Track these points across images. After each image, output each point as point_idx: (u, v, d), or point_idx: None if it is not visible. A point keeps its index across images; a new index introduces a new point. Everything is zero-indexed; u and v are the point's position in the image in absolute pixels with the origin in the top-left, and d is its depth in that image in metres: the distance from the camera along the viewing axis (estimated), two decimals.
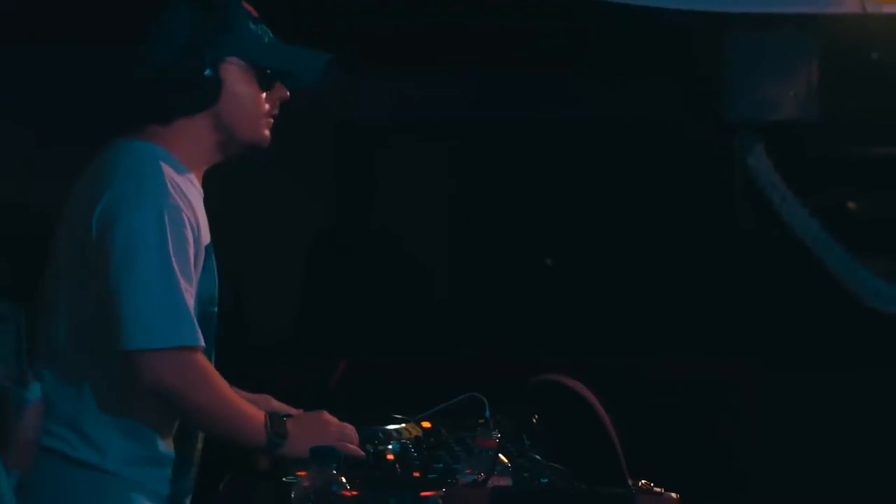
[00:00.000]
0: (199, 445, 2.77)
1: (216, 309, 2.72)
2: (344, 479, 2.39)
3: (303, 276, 5.61)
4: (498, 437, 2.59)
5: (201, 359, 2.54)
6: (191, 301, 2.55)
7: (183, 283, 2.53)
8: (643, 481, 2.34)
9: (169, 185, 2.57)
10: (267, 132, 2.76)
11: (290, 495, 2.33)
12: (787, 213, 5.07)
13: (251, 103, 2.71)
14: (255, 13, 2.76)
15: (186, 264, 2.56)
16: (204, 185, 2.76)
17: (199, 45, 2.64)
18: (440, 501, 2.50)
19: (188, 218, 2.59)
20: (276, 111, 2.77)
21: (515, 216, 5.54)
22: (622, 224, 5.37)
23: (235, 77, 2.68)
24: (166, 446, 2.68)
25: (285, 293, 5.49)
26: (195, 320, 2.54)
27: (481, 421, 2.68)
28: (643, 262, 5.38)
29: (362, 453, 2.72)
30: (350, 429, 2.72)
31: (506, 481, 2.55)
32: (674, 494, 2.31)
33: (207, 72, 2.64)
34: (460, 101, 5.43)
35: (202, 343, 2.54)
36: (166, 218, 2.53)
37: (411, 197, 5.54)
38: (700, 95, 5.03)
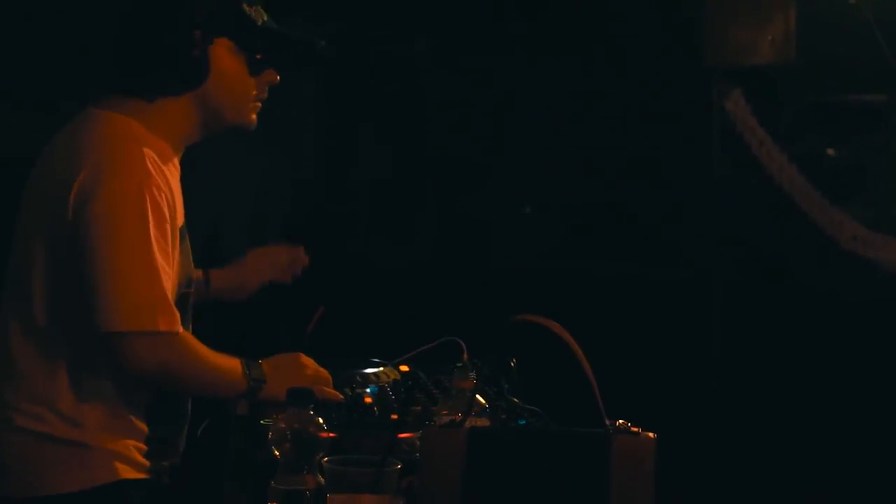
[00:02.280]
0: (188, 411, 2.77)
1: (192, 289, 2.70)
2: (321, 421, 2.38)
3: (279, 227, 5.60)
4: (475, 379, 2.58)
5: (179, 340, 2.51)
6: (169, 283, 2.52)
7: (163, 266, 2.49)
8: (620, 421, 2.33)
9: (148, 163, 2.52)
10: (253, 116, 2.72)
11: (268, 437, 2.32)
12: (765, 158, 5.08)
13: (239, 86, 2.66)
14: None
15: (166, 245, 2.52)
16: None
17: (189, 24, 2.59)
18: (417, 443, 2.50)
19: (166, 197, 2.54)
20: (264, 95, 2.72)
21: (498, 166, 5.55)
22: (599, 168, 5.38)
23: (224, 59, 2.63)
24: (146, 414, 2.65)
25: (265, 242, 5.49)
26: (173, 305, 2.51)
27: (459, 364, 2.67)
28: (620, 209, 5.40)
29: (340, 397, 2.72)
30: (325, 373, 2.72)
31: (483, 423, 2.55)
32: (651, 434, 2.30)
33: (196, 51, 2.59)
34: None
35: (180, 328, 2.52)
36: (146, 197, 2.48)
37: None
38: (678, 40, 5.02)
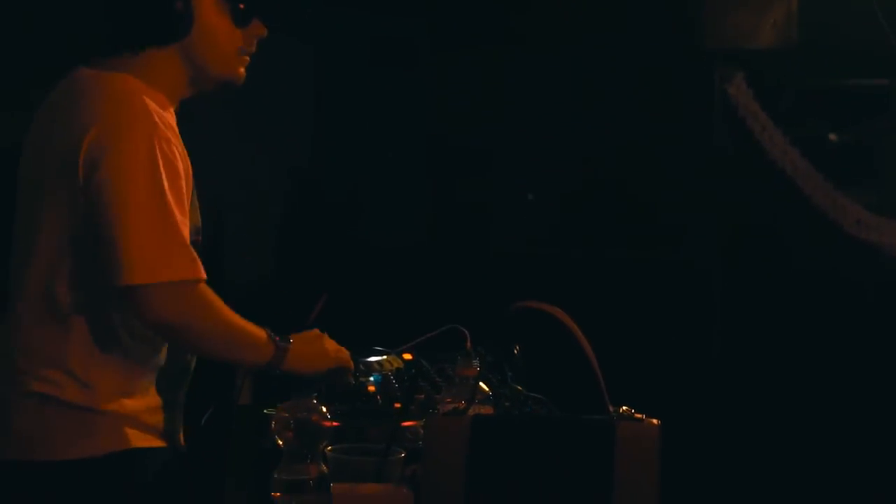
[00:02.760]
0: (192, 369, 2.74)
1: (201, 238, 2.69)
2: (325, 410, 2.38)
3: (281, 212, 5.60)
4: (478, 367, 2.58)
5: (203, 289, 2.47)
6: (187, 233, 2.49)
7: (179, 216, 2.47)
8: (624, 408, 2.33)
9: (154, 115, 2.50)
10: (242, 70, 2.70)
11: (271, 426, 2.32)
12: (768, 142, 5.07)
13: (224, 38, 2.65)
14: None
15: (181, 195, 2.50)
16: (181, 120, 2.72)
17: None
18: (421, 431, 2.49)
19: (175, 148, 2.53)
20: (252, 48, 2.71)
21: (499, 150, 5.53)
22: (600, 153, 5.37)
23: (208, 9, 2.63)
24: (155, 378, 2.63)
25: (264, 227, 5.49)
26: (193, 253, 2.48)
27: (462, 352, 2.67)
28: (621, 194, 5.38)
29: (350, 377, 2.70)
30: (345, 352, 2.70)
31: (487, 410, 2.55)
32: (655, 421, 2.30)
33: (179, 2, 2.59)
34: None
35: (203, 275, 2.48)
36: (157, 150, 2.46)
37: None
38: (678, 23, 5.00)
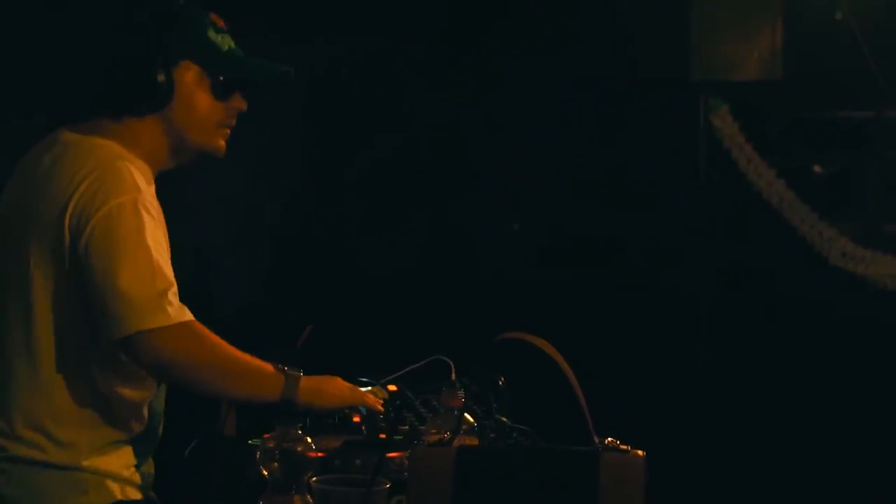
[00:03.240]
0: (161, 423, 2.76)
1: None
2: (309, 440, 2.37)
3: (267, 245, 5.59)
4: (463, 398, 2.58)
5: (190, 327, 2.51)
6: (173, 281, 2.53)
7: (166, 267, 2.52)
8: (609, 439, 2.32)
9: (138, 179, 2.55)
10: (222, 142, 2.75)
11: (256, 456, 2.31)
12: (754, 174, 5.08)
13: (204, 110, 2.69)
14: (220, 23, 2.74)
15: (165, 252, 2.55)
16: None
17: (153, 45, 2.63)
18: (406, 462, 2.49)
19: (157, 214, 2.58)
20: (232, 121, 2.76)
21: (487, 176, 5.54)
22: (587, 182, 5.38)
23: (189, 82, 2.67)
24: (135, 430, 2.67)
25: (253, 254, 5.48)
26: (176, 298, 2.51)
27: (447, 383, 2.67)
28: (607, 223, 5.39)
29: (379, 406, 2.71)
30: (360, 391, 2.73)
31: (472, 441, 2.55)
32: (640, 452, 2.30)
33: (161, 72, 2.63)
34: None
35: (190, 317, 2.52)
36: (141, 210, 2.51)
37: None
38: (665, 55, 5.02)
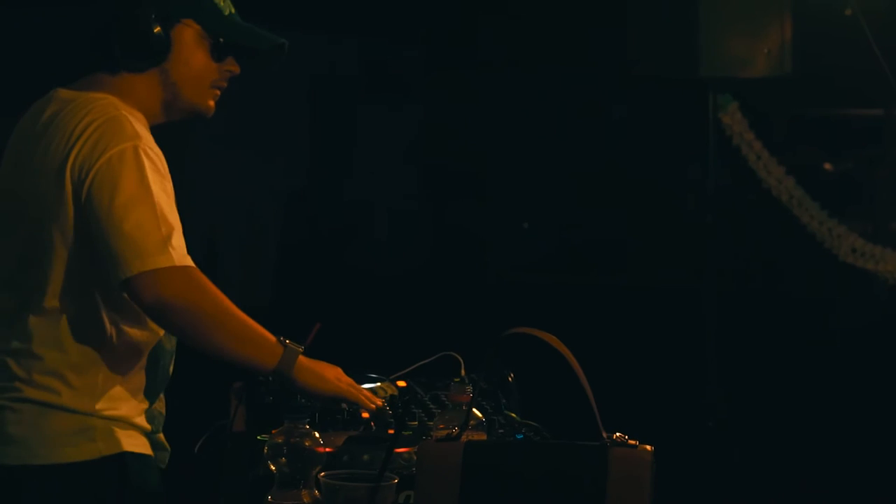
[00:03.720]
0: (172, 363, 2.77)
1: None
2: (317, 435, 2.36)
3: (277, 241, 5.60)
4: (472, 393, 2.57)
5: (192, 273, 2.51)
6: (178, 224, 2.54)
7: (170, 209, 2.53)
8: (618, 434, 2.32)
9: (138, 126, 2.59)
10: (212, 103, 2.77)
11: (264, 451, 2.31)
12: (763, 171, 5.07)
13: (200, 68, 2.73)
14: None
15: (170, 194, 2.56)
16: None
17: (156, 2, 2.66)
18: (414, 457, 2.48)
19: (159, 158, 2.59)
20: (224, 84, 2.78)
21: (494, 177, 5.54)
22: (595, 180, 5.37)
23: (188, 39, 2.71)
24: (146, 373, 2.69)
25: (258, 257, 5.48)
26: (180, 243, 2.52)
27: (456, 379, 2.66)
28: (616, 221, 5.39)
29: (377, 402, 2.69)
30: (357, 387, 2.68)
31: (480, 436, 2.54)
32: (648, 447, 2.29)
33: (160, 29, 2.66)
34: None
35: (191, 264, 2.51)
36: (143, 154, 2.53)
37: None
38: (674, 52, 5.00)
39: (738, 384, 5.19)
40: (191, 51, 2.71)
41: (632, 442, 2.31)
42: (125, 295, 2.52)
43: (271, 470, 2.41)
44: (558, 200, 5.50)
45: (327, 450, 2.51)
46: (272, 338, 2.55)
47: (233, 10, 2.78)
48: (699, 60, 4.87)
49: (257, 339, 2.54)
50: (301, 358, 2.56)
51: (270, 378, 2.54)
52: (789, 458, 5.08)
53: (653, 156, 5.30)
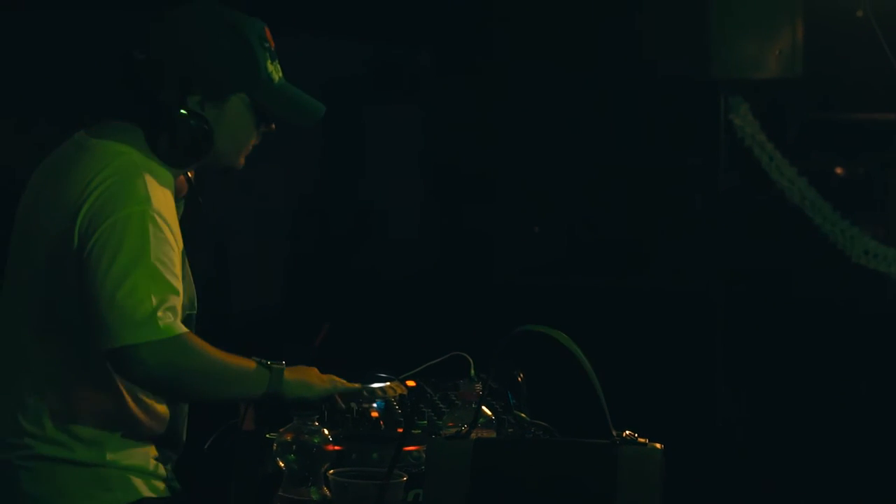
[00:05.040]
0: (185, 416, 2.77)
1: (195, 313, 2.72)
2: (326, 432, 2.37)
3: (285, 246, 5.60)
4: (481, 391, 2.57)
5: (182, 340, 2.49)
6: (178, 300, 2.52)
7: (168, 278, 2.50)
8: (627, 432, 2.31)
9: (149, 190, 2.54)
10: (243, 160, 2.75)
11: (273, 448, 2.31)
12: (775, 172, 5.06)
13: (244, 139, 2.70)
14: (271, 41, 2.71)
15: (172, 263, 2.53)
16: None
17: (213, 76, 2.61)
18: (423, 456, 2.48)
19: (168, 221, 2.57)
20: (258, 142, 2.76)
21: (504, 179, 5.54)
22: (605, 182, 5.36)
23: (236, 112, 2.67)
24: (157, 425, 2.67)
25: (271, 255, 5.48)
26: (172, 310, 2.50)
27: (465, 378, 2.66)
28: (626, 224, 5.38)
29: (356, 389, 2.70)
30: (338, 379, 2.70)
31: (489, 434, 2.54)
32: (658, 445, 2.29)
33: (206, 124, 2.61)
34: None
35: (182, 331, 2.50)
36: (148, 221, 2.50)
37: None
38: (684, 53, 4.99)
39: (747, 385, 5.19)
40: (238, 124, 2.67)
41: (641, 440, 2.30)
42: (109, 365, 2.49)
43: (280, 467, 2.41)
44: (567, 202, 5.49)
45: (336, 448, 2.51)
46: (253, 364, 2.56)
47: (281, 74, 2.71)
48: (710, 62, 4.87)
49: (243, 375, 2.54)
50: (285, 374, 2.56)
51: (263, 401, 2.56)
52: (798, 458, 5.07)
53: (663, 157, 5.28)
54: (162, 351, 2.44)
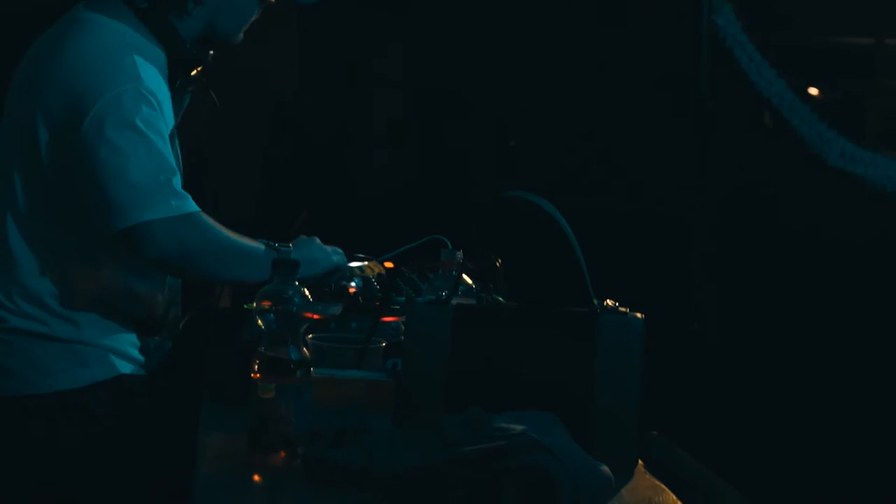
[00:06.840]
0: (173, 299, 2.76)
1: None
2: (306, 292, 2.35)
3: (262, 157, 5.58)
4: (461, 259, 2.56)
5: (194, 218, 2.51)
6: (180, 180, 2.53)
7: (166, 155, 2.51)
8: (609, 301, 2.30)
9: (139, 69, 2.52)
10: (241, 35, 2.74)
11: (252, 307, 2.29)
12: (755, 74, 5.06)
13: (247, 12, 2.70)
14: None
15: (164, 139, 2.53)
16: None
17: None
18: (402, 326, 2.47)
19: (158, 99, 2.56)
20: (258, 16, 2.75)
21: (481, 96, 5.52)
22: (584, 88, 5.34)
23: None
24: (136, 309, 2.66)
25: (248, 165, 5.46)
26: (180, 188, 2.52)
27: (444, 249, 2.66)
28: (609, 124, 5.36)
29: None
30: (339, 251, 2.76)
31: (468, 301, 2.53)
32: (639, 314, 2.28)
33: None
34: None
35: (195, 208, 2.52)
36: (140, 99, 2.49)
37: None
38: None
39: (727, 294, 5.20)
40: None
41: (622, 309, 2.29)
42: (122, 245, 2.49)
43: (259, 325, 2.39)
44: (545, 118, 5.47)
45: (314, 316, 2.49)
46: (261, 248, 2.58)
47: None
48: None
49: (253, 255, 2.56)
50: (293, 253, 2.55)
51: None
52: (772, 359, 5.08)
53: (644, 63, 5.26)
54: (175, 228, 2.46)
